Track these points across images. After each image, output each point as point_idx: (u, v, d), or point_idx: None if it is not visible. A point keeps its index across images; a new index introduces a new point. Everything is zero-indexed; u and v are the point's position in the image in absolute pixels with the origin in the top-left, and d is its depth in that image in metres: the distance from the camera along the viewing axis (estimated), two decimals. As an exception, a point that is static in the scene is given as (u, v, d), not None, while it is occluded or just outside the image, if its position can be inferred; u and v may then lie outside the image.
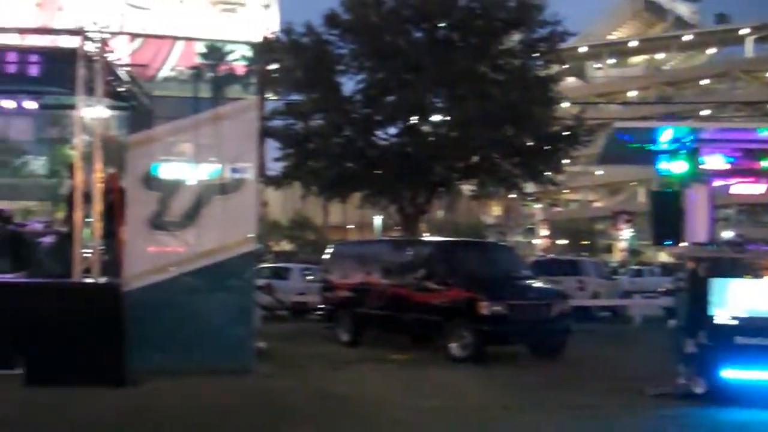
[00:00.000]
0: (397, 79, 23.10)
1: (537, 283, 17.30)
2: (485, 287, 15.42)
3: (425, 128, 24.34)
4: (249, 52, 14.32)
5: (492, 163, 24.52)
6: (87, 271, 11.95)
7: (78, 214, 11.97)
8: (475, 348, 14.97)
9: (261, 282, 19.74)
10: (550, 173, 25.50)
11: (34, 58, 13.46)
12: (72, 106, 16.82)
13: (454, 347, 15.18)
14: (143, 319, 11.93)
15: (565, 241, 70.29)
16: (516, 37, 24.77)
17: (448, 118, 23.68)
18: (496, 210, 75.09)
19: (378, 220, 53.65)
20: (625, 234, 57.66)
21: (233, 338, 12.57)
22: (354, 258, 18.89)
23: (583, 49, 76.75)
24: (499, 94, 22.78)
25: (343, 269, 18.67)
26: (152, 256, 12.72)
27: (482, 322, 14.88)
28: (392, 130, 24.59)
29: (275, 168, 25.73)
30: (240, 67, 13.96)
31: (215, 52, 14.29)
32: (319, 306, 19.81)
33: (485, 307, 14.91)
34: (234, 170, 13.39)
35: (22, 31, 12.97)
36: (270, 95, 24.28)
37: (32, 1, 49.73)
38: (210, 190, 13.03)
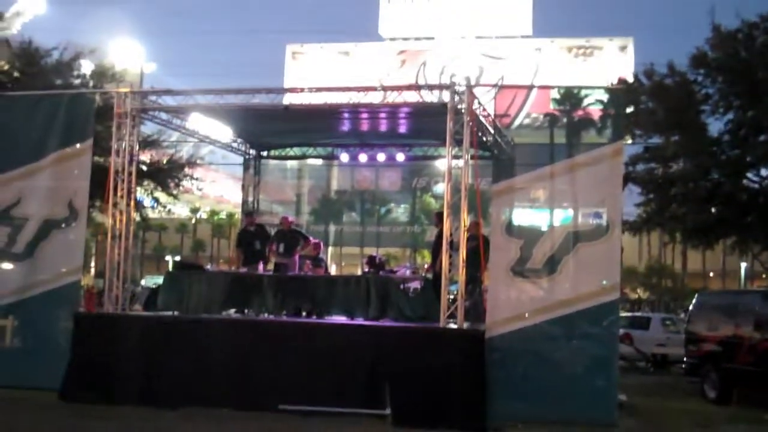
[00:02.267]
0: (771, 118, 21.51)
1: None
2: None
3: (802, 169, 22.45)
4: (604, 97, 14.03)
5: None
6: (451, 317, 12.30)
7: (444, 261, 12.39)
8: None
9: (619, 332, 19.16)
10: None
11: (406, 112, 14.22)
12: (435, 157, 17.67)
13: (840, 411, 13.69)
14: (503, 366, 12.07)
15: None
16: None
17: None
18: None
19: (743, 267, 50.28)
20: None
21: (594, 389, 12.19)
22: (723, 309, 17.66)
23: None
24: None
25: (711, 320, 17.54)
26: (513, 303, 12.74)
27: None
28: (765, 172, 22.94)
29: (632, 213, 25.06)
30: (596, 112, 13.70)
31: (570, 98, 14.19)
32: (683, 358, 18.79)
33: None
34: (595, 217, 13.11)
35: (395, 88, 13.62)
36: (626, 139, 23.72)
37: (397, 58, 53.70)
38: (571, 238, 12.82)
